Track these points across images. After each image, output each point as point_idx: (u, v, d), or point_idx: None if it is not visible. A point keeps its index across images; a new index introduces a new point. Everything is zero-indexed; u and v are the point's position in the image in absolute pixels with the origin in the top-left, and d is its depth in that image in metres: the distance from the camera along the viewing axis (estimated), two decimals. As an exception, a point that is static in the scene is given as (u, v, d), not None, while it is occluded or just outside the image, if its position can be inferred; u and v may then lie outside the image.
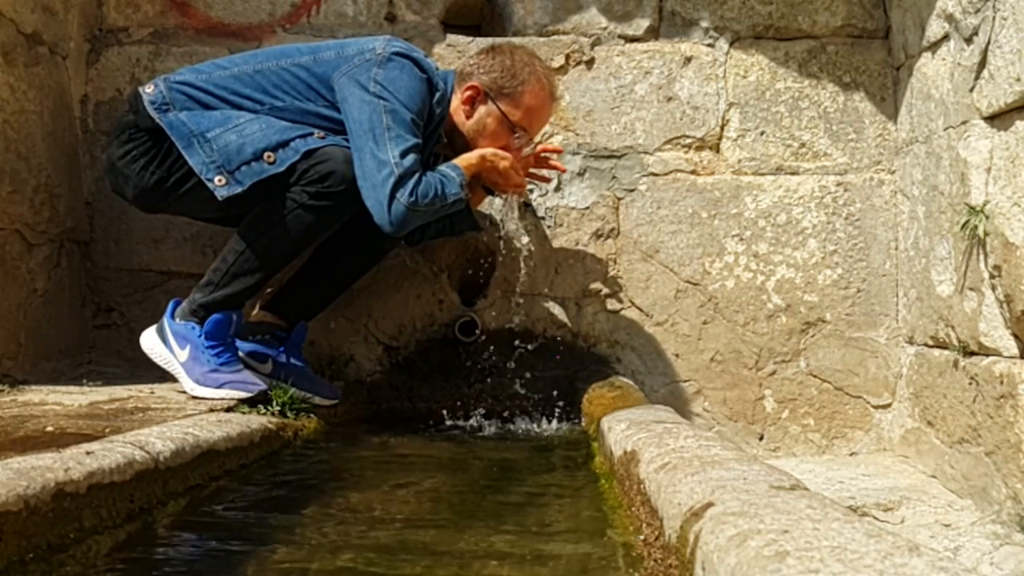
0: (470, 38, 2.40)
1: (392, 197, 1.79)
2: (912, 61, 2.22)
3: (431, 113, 1.96)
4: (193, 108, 1.89)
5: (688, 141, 2.39)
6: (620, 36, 2.41)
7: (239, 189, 1.81)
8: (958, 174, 1.91)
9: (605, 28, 2.41)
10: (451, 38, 2.41)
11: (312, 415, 1.88)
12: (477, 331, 2.33)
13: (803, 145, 2.39)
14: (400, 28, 2.40)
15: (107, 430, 1.39)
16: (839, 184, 2.37)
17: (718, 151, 2.40)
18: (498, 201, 2.27)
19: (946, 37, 1.99)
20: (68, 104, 2.32)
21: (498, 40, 2.25)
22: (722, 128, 2.39)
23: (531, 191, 2.35)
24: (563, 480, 1.50)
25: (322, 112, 1.91)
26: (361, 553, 1.04)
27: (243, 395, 1.77)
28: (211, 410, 1.66)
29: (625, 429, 1.39)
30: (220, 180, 1.81)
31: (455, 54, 2.38)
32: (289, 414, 1.79)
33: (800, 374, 2.37)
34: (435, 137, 2.02)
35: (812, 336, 2.37)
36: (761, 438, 2.37)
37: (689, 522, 0.84)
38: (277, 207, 1.84)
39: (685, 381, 2.38)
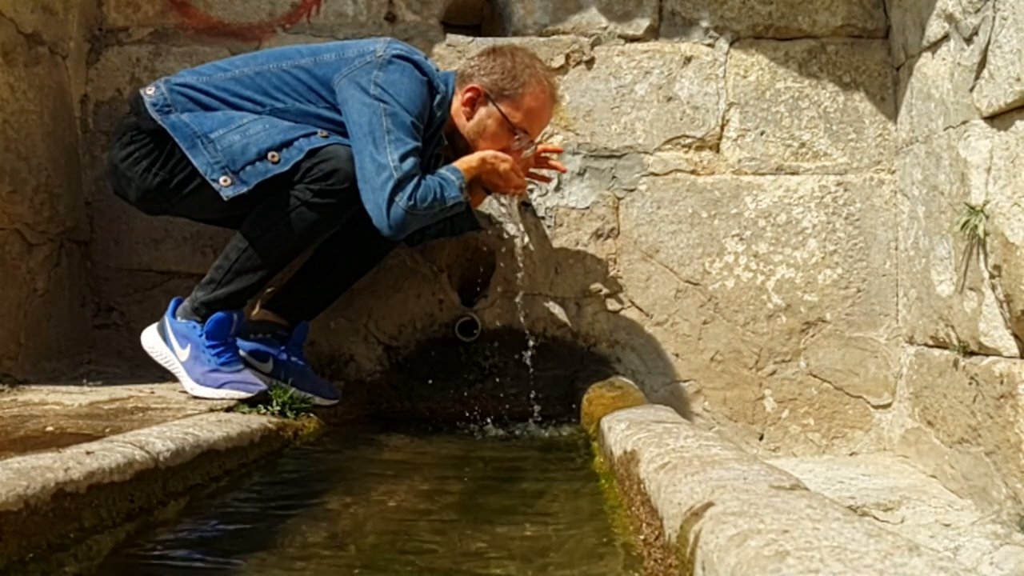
0: (470, 38, 2.40)
1: (391, 201, 1.79)
2: (912, 61, 2.22)
3: (432, 116, 1.96)
4: (194, 110, 1.89)
5: (688, 141, 2.39)
6: (620, 36, 2.41)
7: (244, 189, 1.81)
8: (958, 174, 1.91)
9: (605, 28, 2.41)
10: (451, 38, 2.41)
11: (312, 415, 1.88)
12: (477, 331, 2.33)
13: (803, 145, 2.39)
14: (400, 28, 2.40)
15: (107, 430, 1.39)
16: (839, 184, 2.38)
17: (718, 151, 2.40)
18: (497, 202, 2.28)
19: (946, 37, 1.99)
20: (68, 104, 2.32)
21: (499, 41, 2.25)
22: (722, 128, 2.39)
23: (531, 191, 2.35)
24: (563, 480, 1.50)
25: (323, 114, 1.91)
26: (362, 552, 1.04)
27: (243, 395, 1.77)
28: (211, 410, 1.66)
29: (625, 429, 1.39)
30: (225, 180, 1.81)
31: (455, 54, 2.38)
32: (289, 414, 1.79)
33: (800, 374, 2.37)
34: (436, 139, 2.02)
35: (812, 336, 2.37)
36: (761, 438, 2.37)
37: (689, 522, 0.84)
38: (280, 205, 1.84)
39: (685, 381, 2.38)
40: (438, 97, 1.96)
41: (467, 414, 2.18)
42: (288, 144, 1.83)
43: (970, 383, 1.88)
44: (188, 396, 1.80)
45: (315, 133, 1.87)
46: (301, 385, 1.94)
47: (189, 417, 1.53)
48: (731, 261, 2.38)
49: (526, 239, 2.32)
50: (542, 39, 2.39)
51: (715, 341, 2.38)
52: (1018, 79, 1.64)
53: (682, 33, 2.41)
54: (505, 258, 2.34)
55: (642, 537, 1.03)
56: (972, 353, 1.89)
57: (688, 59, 2.40)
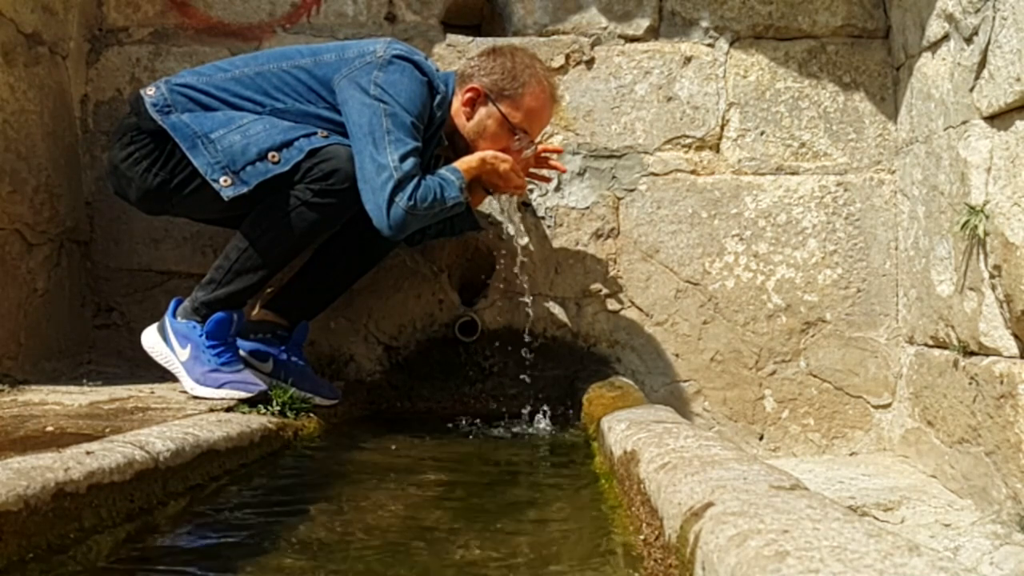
0: (470, 38, 2.40)
1: (391, 201, 1.79)
2: (912, 61, 2.22)
3: (432, 116, 1.96)
4: (195, 110, 1.89)
5: (688, 141, 2.39)
6: (620, 36, 2.41)
7: (245, 189, 1.81)
8: (958, 174, 1.91)
9: (605, 28, 2.41)
10: (451, 38, 2.40)
11: (312, 415, 1.88)
12: (477, 331, 2.33)
13: (803, 145, 2.39)
14: (400, 28, 2.40)
15: (107, 430, 1.39)
16: (839, 184, 2.37)
17: (718, 151, 2.40)
18: (497, 202, 2.28)
19: (946, 37, 1.99)
20: (68, 104, 2.32)
21: (499, 41, 2.25)
22: (722, 128, 2.39)
23: (531, 191, 2.35)
24: (563, 480, 1.50)
25: (323, 114, 1.91)
26: (361, 554, 1.04)
27: (243, 395, 1.77)
28: (211, 410, 1.66)
29: (625, 429, 1.39)
30: (226, 181, 1.81)
31: (455, 54, 2.38)
32: (289, 414, 1.79)
33: (800, 374, 2.37)
34: (436, 139, 2.02)
35: (812, 336, 2.37)
36: (761, 438, 2.37)
37: (689, 522, 0.84)
38: (280, 205, 1.84)
39: (685, 381, 2.38)
40: (438, 97, 1.96)
41: (467, 414, 2.18)
42: (288, 144, 1.83)
43: (970, 383, 1.88)
44: (188, 396, 1.80)
45: (315, 133, 1.87)
46: (301, 385, 1.94)
47: (189, 417, 1.53)
48: (731, 261, 2.38)
49: (526, 239, 2.32)
50: (542, 39, 2.39)
51: (715, 341, 2.38)
52: (1018, 79, 1.64)
53: (682, 33, 2.41)
54: (505, 258, 2.34)
55: (642, 537, 1.03)
56: (972, 353, 1.89)
57: (688, 59, 2.40)
